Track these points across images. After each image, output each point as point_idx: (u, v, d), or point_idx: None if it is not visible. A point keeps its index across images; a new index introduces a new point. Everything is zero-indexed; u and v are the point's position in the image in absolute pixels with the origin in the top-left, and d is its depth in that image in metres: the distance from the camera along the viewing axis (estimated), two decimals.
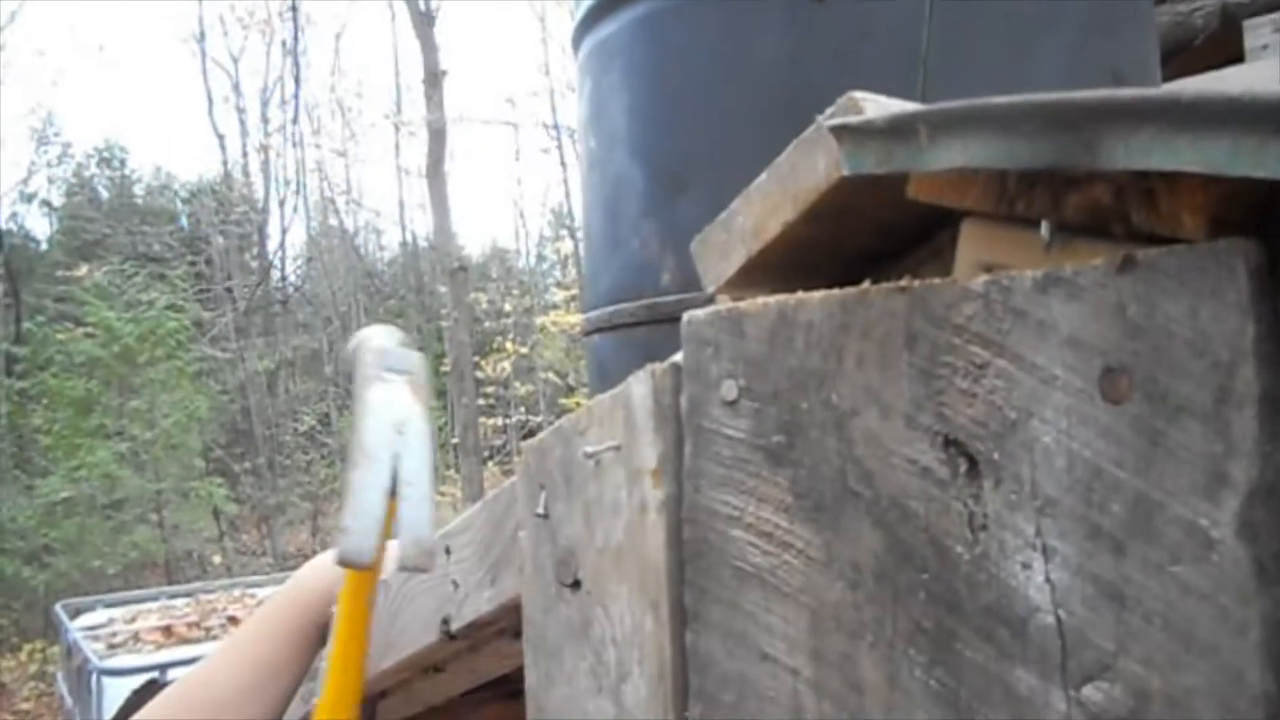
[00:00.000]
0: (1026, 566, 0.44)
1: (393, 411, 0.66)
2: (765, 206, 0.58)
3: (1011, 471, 0.44)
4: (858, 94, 0.52)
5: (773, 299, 0.54)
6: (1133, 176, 0.42)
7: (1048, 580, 0.43)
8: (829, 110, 0.53)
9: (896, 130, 0.46)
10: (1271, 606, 0.37)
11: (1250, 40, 2.96)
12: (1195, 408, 0.39)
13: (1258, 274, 0.37)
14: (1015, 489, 0.44)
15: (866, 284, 0.50)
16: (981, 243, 0.50)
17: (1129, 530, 0.40)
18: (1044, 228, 0.46)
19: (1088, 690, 0.42)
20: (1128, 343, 0.40)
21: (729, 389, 0.56)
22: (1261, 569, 0.37)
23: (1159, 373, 0.40)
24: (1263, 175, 0.34)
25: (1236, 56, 2.96)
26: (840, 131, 0.48)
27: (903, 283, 0.48)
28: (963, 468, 0.46)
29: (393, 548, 1.11)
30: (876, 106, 0.51)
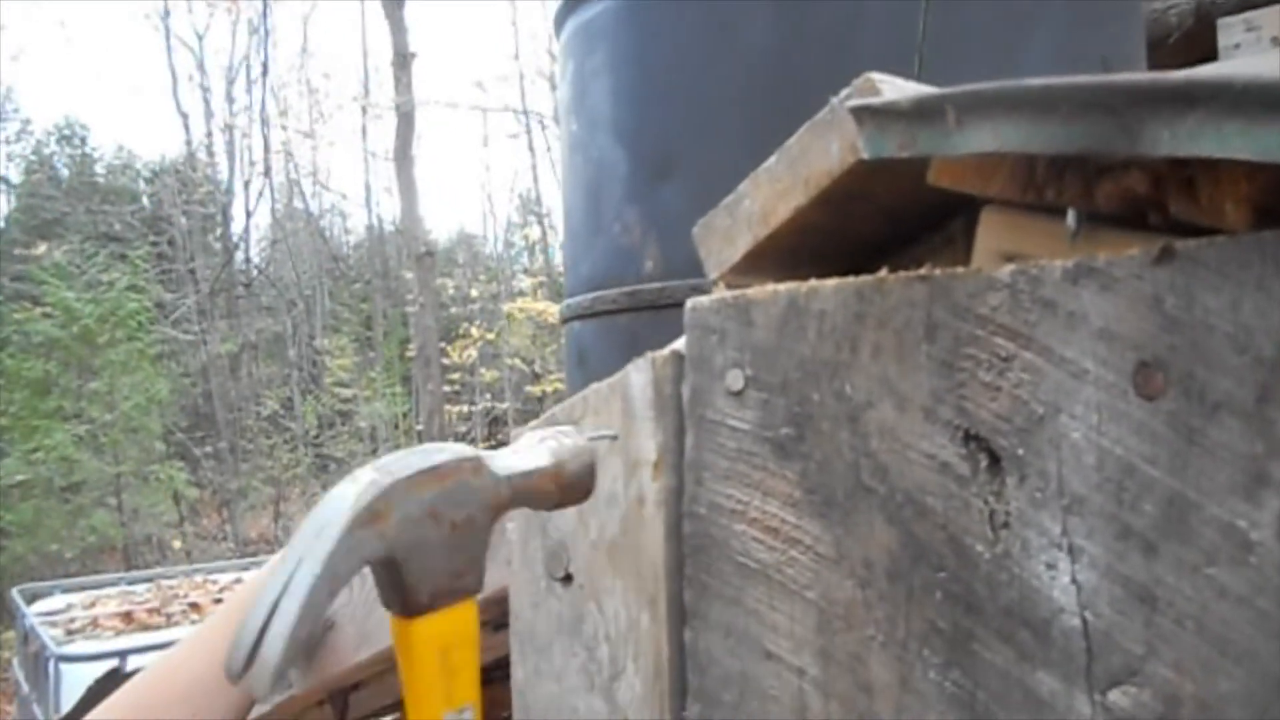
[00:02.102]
0: (1051, 566, 0.42)
1: (327, 510, 0.57)
2: (774, 190, 0.56)
3: (1037, 468, 0.43)
4: (875, 75, 0.51)
5: (783, 286, 0.52)
6: (1171, 165, 0.40)
7: (1074, 581, 0.42)
8: (844, 91, 0.51)
9: (922, 112, 0.44)
10: None
11: (1223, 38, 2.98)
12: (1235, 405, 0.37)
13: None
14: (1040, 486, 0.42)
15: (884, 272, 0.48)
16: (1002, 231, 0.48)
17: (1162, 530, 0.39)
18: (1071, 217, 0.45)
19: (1114, 695, 0.40)
20: (1164, 336, 0.39)
21: (735, 379, 0.54)
22: None
23: (1197, 368, 0.38)
24: None
25: (1209, 54, 2.98)
26: (861, 113, 0.46)
27: (923, 271, 0.46)
28: (984, 463, 0.44)
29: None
30: (895, 88, 0.50)
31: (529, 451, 0.62)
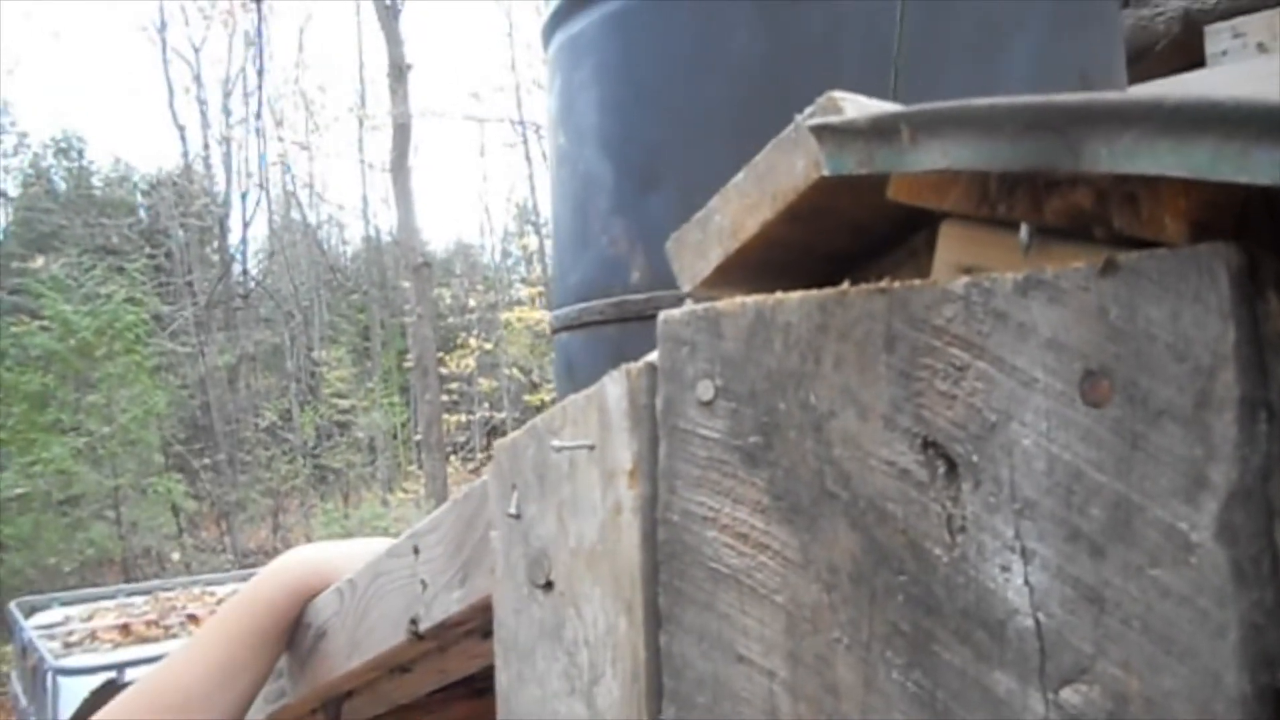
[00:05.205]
0: (1005, 569, 0.44)
1: None
2: (743, 206, 0.58)
3: (991, 474, 0.44)
4: (837, 94, 0.52)
5: (750, 299, 0.53)
6: (1114, 180, 0.42)
7: (1026, 583, 0.43)
8: (808, 110, 0.53)
9: (878, 131, 0.45)
10: (1249, 608, 0.38)
11: (1211, 45, 3.00)
12: (1176, 411, 0.39)
13: (1238, 278, 0.38)
14: (994, 491, 0.44)
15: (846, 285, 0.49)
16: (960, 244, 0.50)
17: (1108, 533, 0.40)
18: (1023, 231, 0.46)
19: (1066, 693, 0.42)
20: (1109, 346, 0.40)
21: (705, 389, 0.56)
22: (1240, 571, 0.37)
23: (1140, 376, 0.40)
24: (1245, 180, 0.34)
25: (1197, 61, 3.00)
26: (821, 131, 0.48)
27: (882, 284, 0.48)
28: (941, 470, 0.46)
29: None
30: (856, 106, 0.51)
31: None
